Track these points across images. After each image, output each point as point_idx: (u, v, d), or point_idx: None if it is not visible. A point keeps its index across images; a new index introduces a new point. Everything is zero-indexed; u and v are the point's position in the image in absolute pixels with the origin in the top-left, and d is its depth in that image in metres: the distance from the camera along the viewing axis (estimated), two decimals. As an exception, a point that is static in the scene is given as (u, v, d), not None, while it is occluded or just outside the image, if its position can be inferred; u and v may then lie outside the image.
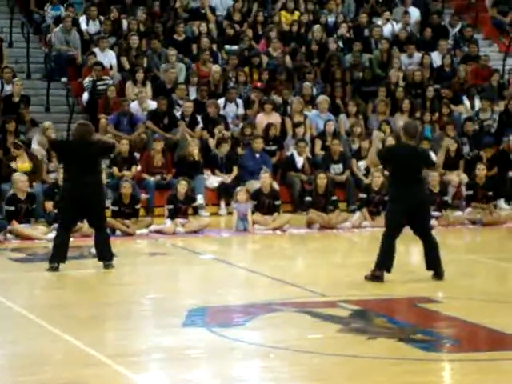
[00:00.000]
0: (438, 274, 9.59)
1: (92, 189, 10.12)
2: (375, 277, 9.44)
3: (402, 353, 6.95)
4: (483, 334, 7.69)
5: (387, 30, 19.42)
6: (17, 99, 15.73)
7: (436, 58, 18.89)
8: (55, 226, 12.63)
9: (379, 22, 19.63)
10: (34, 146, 14.95)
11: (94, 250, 10.54)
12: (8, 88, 16.01)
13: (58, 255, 10.13)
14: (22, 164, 14.13)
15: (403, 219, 9.58)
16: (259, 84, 17.47)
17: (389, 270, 9.50)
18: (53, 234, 12.50)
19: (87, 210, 10.19)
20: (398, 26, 19.61)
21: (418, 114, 17.24)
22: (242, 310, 8.47)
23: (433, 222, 13.80)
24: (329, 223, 13.75)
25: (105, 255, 10.21)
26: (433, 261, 9.61)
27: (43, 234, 12.59)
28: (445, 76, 18.53)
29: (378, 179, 13.96)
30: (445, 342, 7.39)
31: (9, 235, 12.48)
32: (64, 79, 17.21)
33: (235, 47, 18.48)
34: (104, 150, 10.99)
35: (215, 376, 6.43)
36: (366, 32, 19.23)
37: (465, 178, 15.88)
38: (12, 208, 12.67)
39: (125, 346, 7.21)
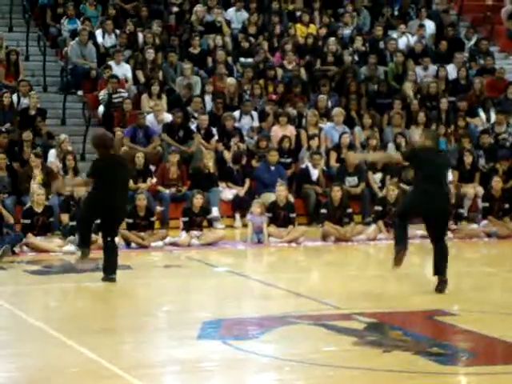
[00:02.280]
0: (441, 283, 9.53)
1: (122, 201, 10.30)
2: (397, 253, 9.40)
3: (418, 366, 6.91)
4: (499, 347, 7.64)
5: (402, 42, 19.43)
6: (33, 112, 15.82)
7: (451, 70, 18.87)
8: (71, 238, 12.69)
9: (394, 34, 19.63)
10: (51, 158, 15.03)
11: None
12: (25, 101, 16.11)
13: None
14: (38, 175, 14.20)
15: (416, 212, 9.62)
16: (274, 96, 17.51)
17: (405, 247, 9.46)
18: (68, 247, 12.56)
19: (112, 221, 10.27)
20: (413, 39, 19.62)
21: (433, 127, 17.21)
22: (256, 322, 8.46)
23: (449, 234, 13.77)
24: (344, 236, 13.72)
25: (114, 269, 10.22)
26: (440, 268, 9.56)
27: (59, 247, 12.63)
28: (460, 88, 18.50)
29: (393, 192, 13.93)
30: (460, 356, 7.35)
31: (25, 248, 12.53)
32: (80, 92, 17.29)
33: (250, 60, 18.53)
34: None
35: (230, 389, 6.42)
36: (381, 45, 19.25)
37: (480, 190, 15.82)
38: (28, 221, 12.72)
39: (139, 358, 7.21)
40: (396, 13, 20.80)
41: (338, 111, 16.99)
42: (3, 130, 15.23)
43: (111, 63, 17.23)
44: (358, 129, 17.14)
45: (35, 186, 13.19)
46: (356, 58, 18.86)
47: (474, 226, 14.87)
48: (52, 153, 15.13)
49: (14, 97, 16.13)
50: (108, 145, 10.37)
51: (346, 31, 19.60)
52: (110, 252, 10.23)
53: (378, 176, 16.02)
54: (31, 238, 12.61)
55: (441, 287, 9.50)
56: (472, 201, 15.77)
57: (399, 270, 9.57)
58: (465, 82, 18.61)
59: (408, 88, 18.10)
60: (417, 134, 16.53)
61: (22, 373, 6.79)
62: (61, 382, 6.48)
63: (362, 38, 19.20)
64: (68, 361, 7.05)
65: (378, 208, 14.10)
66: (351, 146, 16.39)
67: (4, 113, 15.75)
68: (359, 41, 19.14)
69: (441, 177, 9.65)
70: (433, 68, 18.80)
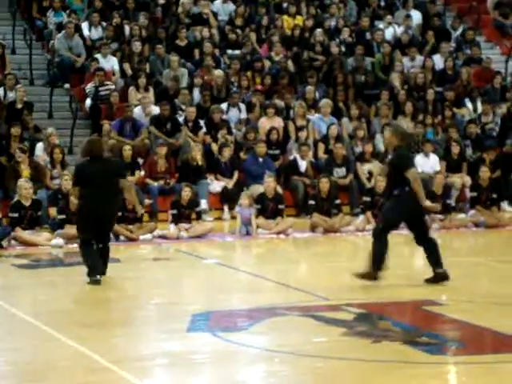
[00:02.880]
0: (442, 274, 9.55)
1: (112, 207, 9.95)
2: (373, 276, 9.41)
3: (407, 356, 6.94)
4: (488, 336, 7.68)
5: (389, 33, 19.44)
6: (20, 106, 15.76)
7: (438, 60, 18.89)
8: (59, 231, 12.67)
9: (381, 25, 19.65)
10: (38, 152, 14.98)
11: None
12: (11, 95, 16.04)
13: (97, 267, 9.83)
14: (25, 170, 14.15)
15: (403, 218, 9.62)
16: (260, 87, 17.49)
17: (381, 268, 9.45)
18: (56, 241, 12.54)
19: (104, 226, 9.98)
20: (399, 30, 19.63)
21: (420, 117, 17.24)
22: (246, 314, 8.47)
23: (436, 225, 13.82)
24: (332, 227, 13.75)
25: (104, 269, 10.10)
26: (438, 260, 9.58)
27: (47, 241, 12.61)
28: (447, 79, 18.54)
29: (381, 183, 13.96)
30: (450, 345, 7.39)
31: (13, 242, 12.50)
32: (67, 85, 17.24)
33: (237, 52, 18.50)
34: (120, 168, 10.55)
35: (220, 381, 6.43)
36: (368, 35, 19.24)
37: (468, 180, 15.88)
38: (16, 215, 12.69)
39: (129, 351, 7.21)
40: (382, 3, 20.81)
41: (325, 102, 17.00)
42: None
43: (98, 56, 17.18)
44: (345, 120, 17.15)
45: (22, 180, 13.15)
46: (343, 48, 18.86)
47: (462, 215, 14.92)
48: (39, 146, 15.08)
49: (1, 90, 16.07)
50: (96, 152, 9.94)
51: (333, 22, 19.58)
52: (102, 256, 9.96)
53: (367, 167, 16.04)
54: (19, 232, 12.58)
55: (436, 279, 9.52)
56: (459, 191, 15.84)
57: (387, 261, 9.60)
58: (451, 72, 18.65)
59: (395, 79, 18.12)
60: (404, 124, 16.57)
61: (12, 367, 6.79)
62: (51, 376, 6.48)
63: (348, 29, 19.20)
64: (58, 354, 7.05)
65: (367, 199, 14.14)
66: (339, 138, 16.41)
67: (-10, 106, 15.69)
68: (346, 32, 19.13)
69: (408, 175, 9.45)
70: (419, 58, 18.82)
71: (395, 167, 9.54)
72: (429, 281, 9.53)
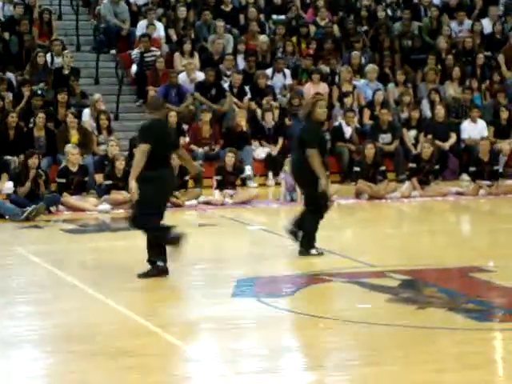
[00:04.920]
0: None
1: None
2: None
3: (453, 322, 6.90)
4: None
5: (437, -3, 19.15)
6: (67, 72, 15.86)
7: (486, 24, 18.56)
8: (106, 197, 12.79)
9: (429, -11, 19.34)
10: (85, 118, 15.08)
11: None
12: (58, 60, 16.15)
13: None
14: (74, 136, 14.29)
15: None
16: (311, 51, 17.30)
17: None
18: (103, 206, 12.66)
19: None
20: (447, -7, 19.32)
21: (467, 82, 17.00)
22: (290, 280, 8.48)
23: (483, 191, 13.67)
24: (377, 193, 13.67)
25: None
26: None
27: (94, 206, 12.73)
28: (496, 43, 18.22)
29: (427, 149, 13.83)
30: (496, 312, 7.33)
31: (60, 207, 12.65)
32: (113, 51, 17.29)
33: (282, 17, 18.36)
34: None
35: (264, 346, 6.47)
36: (415, -1, 18.99)
37: (517, 146, 15.65)
38: (64, 180, 12.83)
39: (174, 315, 7.28)
40: (430, -34, 20.44)
41: (371, 68, 16.83)
42: (38, 92, 15.29)
43: (143, 21, 17.17)
44: (391, 85, 16.97)
45: (70, 146, 13.26)
46: (389, 13, 18.61)
47: (510, 181, 14.72)
48: (86, 112, 15.18)
49: (48, 56, 16.18)
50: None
51: (380, -14, 19.32)
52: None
53: (413, 133, 15.89)
54: (67, 197, 12.72)
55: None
56: (508, 157, 15.61)
57: (433, 227, 9.53)
58: (500, 36, 18.31)
59: (442, 43, 17.85)
60: (452, 90, 16.36)
61: (59, 329, 6.89)
62: (98, 339, 6.57)
63: (395, -7, 18.95)
64: (104, 318, 7.14)
65: (412, 165, 14.01)
66: (384, 103, 16.25)
67: (38, 72, 15.81)
68: (393, -5, 18.88)
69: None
70: (468, 22, 18.51)
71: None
72: None
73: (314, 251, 9.22)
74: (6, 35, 16.50)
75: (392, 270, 8.57)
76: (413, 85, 17.13)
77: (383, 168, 14.04)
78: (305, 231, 9.32)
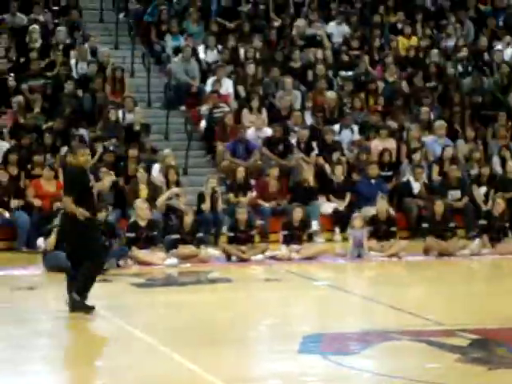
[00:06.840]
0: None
1: None
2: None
3: (525, 385, 6.73)
4: None
5: (508, 53, 19.03)
6: (137, 127, 16.16)
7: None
8: (173, 251, 12.88)
9: (499, 46, 19.26)
10: (155, 173, 15.30)
11: (211, 275, 10.61)
12: (129, 117, 16.48)
13: None
14: (143, 190, 14.48)
15: None
16: (379, 108, 17.32)
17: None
18: (171, 260, 12.76)
19: None
20: (518, 50, 19.21)
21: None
22: (357, 337, 8.38)
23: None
24: (447, 250, 13.49)
25: None
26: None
27: (161, 260, 12.83)
28: None
29: (499, 205, 13.65)
30: None
31: (128, 261, 12.78)
32: (183, 108, 17.58)
33: (350, 73, 18.47)
34: None
35: (330, 404, 6.38)
36: (486, 56, 18.90)
37: None
38: (133, 234, 12.97)
39: (241, 371, 7.25)
40: (501, 23, 20.39)
41: (440, 124, 16.75)
42: (110, 148, 15.57)
43: (212, 78, 17.44)
44: (460, 141, 16.84)
45: (139, 201, 13.43)
46: (460, 69, 18.57)
47: None
48: (156, 167, 15.39)
49: (120, 113, 16.52)
50: None
51: (450, 42, 19.32)
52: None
53: (483, 190, 15.70)
54: (135, 251, 12.85)
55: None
56: None
57: (505, 286, 9.34)
58: None
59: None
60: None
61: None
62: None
63: (466, 49, 18.90)
64: (171, 373, 7.14)
65: (483, 222, 13.82)
66: (453, 159, 16.12)
67: (110, 128, 16.14)
68: (464, 52, 18.84)
69: None
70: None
71: None
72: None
73: None
74: (80, 92, 16.92)
75: (461, 329, 8.41)
76: (483, 141, 16.97)
77: (453, 225, 13.87)
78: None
